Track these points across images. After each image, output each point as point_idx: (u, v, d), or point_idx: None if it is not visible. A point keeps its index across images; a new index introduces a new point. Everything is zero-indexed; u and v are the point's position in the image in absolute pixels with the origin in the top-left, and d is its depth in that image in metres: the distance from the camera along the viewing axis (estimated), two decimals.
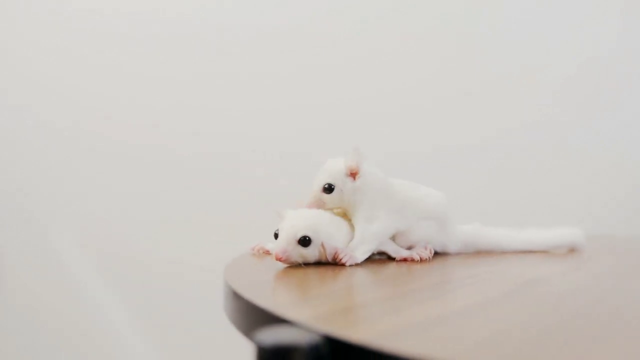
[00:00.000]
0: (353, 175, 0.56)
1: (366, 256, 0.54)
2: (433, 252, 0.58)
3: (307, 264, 0.52)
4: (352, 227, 0.56)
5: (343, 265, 0.52)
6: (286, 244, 0.51)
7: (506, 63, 1.17)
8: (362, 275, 0.50)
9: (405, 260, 0.56)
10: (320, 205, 0.56)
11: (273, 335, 0.29)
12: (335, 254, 0.52)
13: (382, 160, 1.12)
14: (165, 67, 1.18)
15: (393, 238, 0.57)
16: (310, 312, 0.35)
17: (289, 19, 1.18)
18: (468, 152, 1.16)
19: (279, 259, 0.51)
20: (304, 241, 0.52)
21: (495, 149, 1.16)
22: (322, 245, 0.52)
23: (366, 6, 1.19)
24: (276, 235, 0.53)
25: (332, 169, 0.56)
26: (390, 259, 0.57)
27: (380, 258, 0.57)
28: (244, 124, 1.18)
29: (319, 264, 0.53)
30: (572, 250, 0.66)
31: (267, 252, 0.60)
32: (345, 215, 0.57)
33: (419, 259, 0.56)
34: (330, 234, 0.53)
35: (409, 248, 0.58)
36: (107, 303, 1.17)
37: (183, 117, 1.18)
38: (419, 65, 1.18)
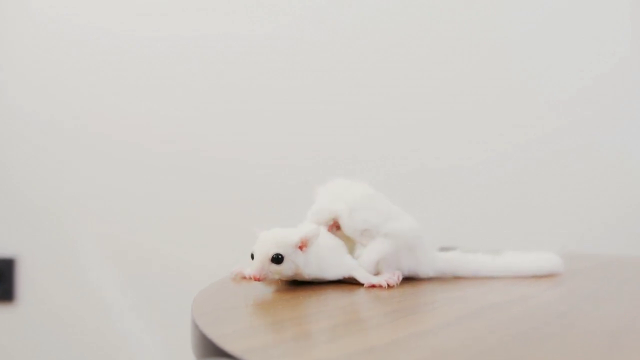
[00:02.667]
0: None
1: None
2: (401, 277, 0.60)
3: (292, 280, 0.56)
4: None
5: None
6: (260, 264, 0.55)
7: (499, 80, 1.18)
8: (324, 303, 0.52)
9: (373, 286, 0.58)
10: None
11: None
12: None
13: (379, 166, 1.14)
14: (168, 69, 1.20)
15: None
16: (252, 343, 0.38)
17: (288, 26, 1.20)
18: (464, 161, 1.18)
19: (257, 279, 0.55)
20: (277, 259, 0.55)
21: (489, 164, 1.17)
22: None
23: (369, 21, 1.20)
24: (252, 256, 0.56)
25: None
26: (359, 284, 0.59)
27: (350, 283, 0.60)
28: (249, 126, 1.20)
29: (304, 283, 0.56)
30: (549, 276, 0.67)
31: (248, 278, 0.62)
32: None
33: (386, 285, 0.58)
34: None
35: (377, 273, 0.60)
36: (117, 302, 1.20)
37: (194, 120, 1.20)
38: (415, 74, 1.20)
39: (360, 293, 0.56)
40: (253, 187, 1.20)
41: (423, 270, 0.63)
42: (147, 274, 1.21)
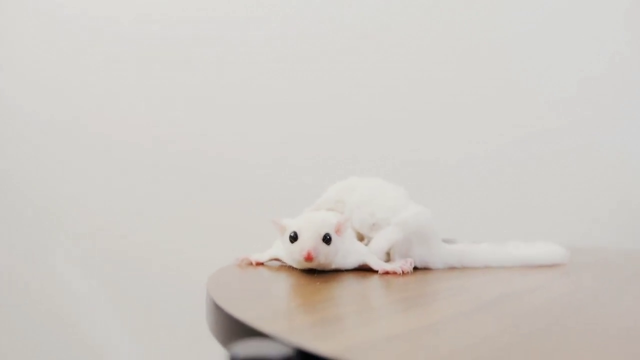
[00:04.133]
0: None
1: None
2: (413, 265, 0.59)
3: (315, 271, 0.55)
4: None
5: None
6: (314, 242, 0.54)
7: (500, 75, 1.18)
8: (341, 288, 0.51)
9: (387, 273, 0.57)
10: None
11: (246, 348, 0.30)
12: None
13: (379, 166, 1.14)
14: (168, 69, 1.18)
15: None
16: (285, 325, 0.36)
17: (288, 26, 1.19)
18: (463, 161, 1.17)
19: (310, 258, 0.53)
20: (327, 239, 0.54)
21: (491, 159, 1.17)
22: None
23: (369, 21, 1.19)
24: (292, 238, 0.54)
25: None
26: (373, 271, 0.58)
27: (362, 270, 0.59)
28: (249, 126, 1.19)
29: (314, 271, 0.55)
30: (554, 267, 0.67)
31: (254, 263, 0.61)
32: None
33: (401, 272, 0.57)
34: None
35: (387, 261, 0.59)
36: (116, 302, 1.18)
37: (194, 120, 1.19)
38: (415, 75, 1.19)
39: (374, 279, 0.55)
40: (253, 187, 1.18)
41: (433, 261, 0.62)
42: (147, 274, 1.18)
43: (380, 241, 0.60)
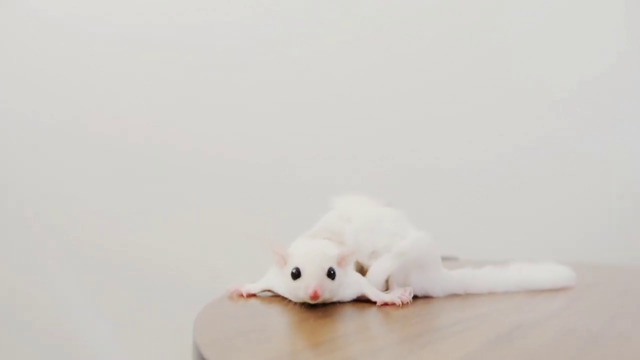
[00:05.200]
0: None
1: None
2: (412, 294, 0.56)
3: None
4: None
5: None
6: (318, 280, 0.50)
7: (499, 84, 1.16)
8: (342, 325, 0.48)
9: (386, 304, 0.54)
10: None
11: None
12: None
13: (380, 173, 1.12)
14: (168, 69, 1.17)
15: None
16: None
17: (293, 25, 1.18)
18: (462, 164, 1.16)
19: (316, 297, 0.49)
20: (332, 274, 0.51)
21: (489, 164, 1.16)
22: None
23: (369, 21, 1.18)
24: (295, 275, 0.51)
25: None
26: (370, 301, 0.55)
27: (360, 301, 0.55)
28: (249, 126, 1.18)
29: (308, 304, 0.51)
30: (561, 290, 0.64)
31: (245, 295, 0.57)
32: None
33: (400, 303, 0.54)
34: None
35: (386, 290, 0.56)
36: (115, 301, 1.15)
37: (194, 120, 1.17)
38: (414, 77, 1.18)
39: (373, 312, 0.52)
40: (253, 186, 1.17)
41: (433, 289, 0.59)
42: (147, 274, 1.15)
43: (378, 272, 0.57)
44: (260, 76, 1.18)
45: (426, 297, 0.59)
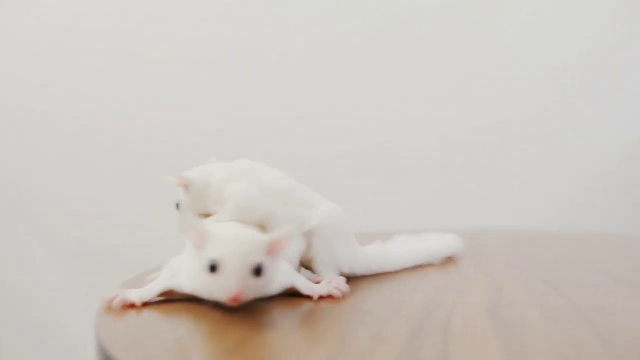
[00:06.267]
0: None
1: None
2: (345, 280, 0.48)
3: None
4: None
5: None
6: (241, 279, 0.38)
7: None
8: (279, 339, 0.38)
9: (322, 297, 0.45)
10: None
11: None
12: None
13: (361, 152, 1.09)
14: (168, 69, 1.12)
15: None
16: None
17: (291, 20, 1.12)
18: (430, 145, 1.12)
19: (237, 301, 0.37)
20: (259, 270, 0.39)
21: (450, 144, 1.12)
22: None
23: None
24: (212, 268, 0.38)
25: None
26: (300, 295, 0.45)
27: (287, 295, 0.45)
28: (249, 126, 1.13)
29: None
30: (450, 258, 0.62)
31: (139, 304, 0.44)
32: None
33: (340, 295, 0.45)
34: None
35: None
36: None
37: (194, 119, 1.12)
38: (402, 55, 1.12)
39: (311, 310, 0.43)
40: None
41: (358, 267, 0.52)
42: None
43: (291, 254, 0.48)
44: (260, 76, 1.12)
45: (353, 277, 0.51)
